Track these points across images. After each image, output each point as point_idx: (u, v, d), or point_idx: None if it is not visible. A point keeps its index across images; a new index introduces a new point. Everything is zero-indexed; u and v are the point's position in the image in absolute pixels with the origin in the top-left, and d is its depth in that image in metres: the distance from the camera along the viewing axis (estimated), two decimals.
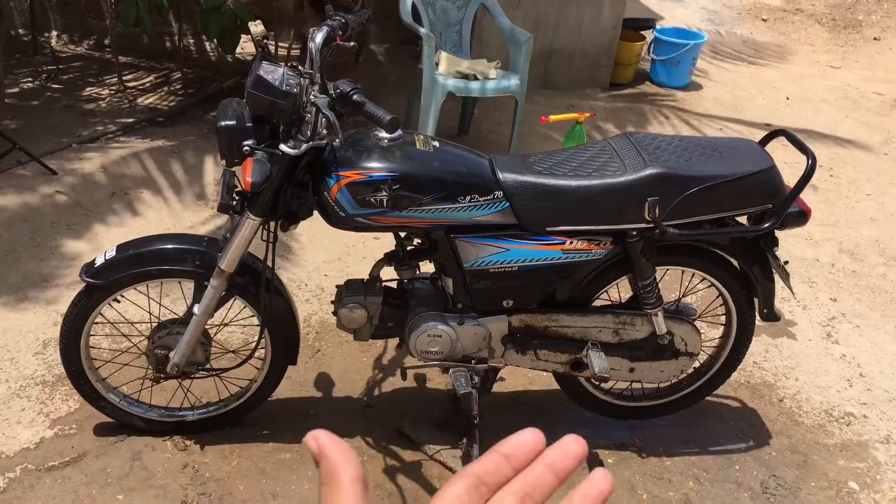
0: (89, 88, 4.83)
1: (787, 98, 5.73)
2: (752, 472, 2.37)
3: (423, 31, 3.94)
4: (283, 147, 1.87)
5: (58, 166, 3.78)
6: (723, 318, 2.39)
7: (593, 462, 2.36)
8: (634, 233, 2.04)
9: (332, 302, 2.24)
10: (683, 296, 2.40)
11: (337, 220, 1.95)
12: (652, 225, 2.00)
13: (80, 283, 2.08)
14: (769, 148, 2.17)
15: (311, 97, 1.80)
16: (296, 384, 2.55)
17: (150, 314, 2.32)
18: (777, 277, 2.21)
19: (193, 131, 4.35)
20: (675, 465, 2.38)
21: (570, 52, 5.41)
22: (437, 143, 2.04)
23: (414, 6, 4.16)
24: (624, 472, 2.34)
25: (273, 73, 1.86)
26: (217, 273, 2.03)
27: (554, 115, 3.79)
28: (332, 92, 1.82)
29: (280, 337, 2.22)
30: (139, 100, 4.74)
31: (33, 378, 2.52)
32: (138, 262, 2.06)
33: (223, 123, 1.85)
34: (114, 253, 2.09)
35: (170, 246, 2.10)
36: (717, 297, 2.32)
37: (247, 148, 1.86)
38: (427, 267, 2.22)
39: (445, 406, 2.51)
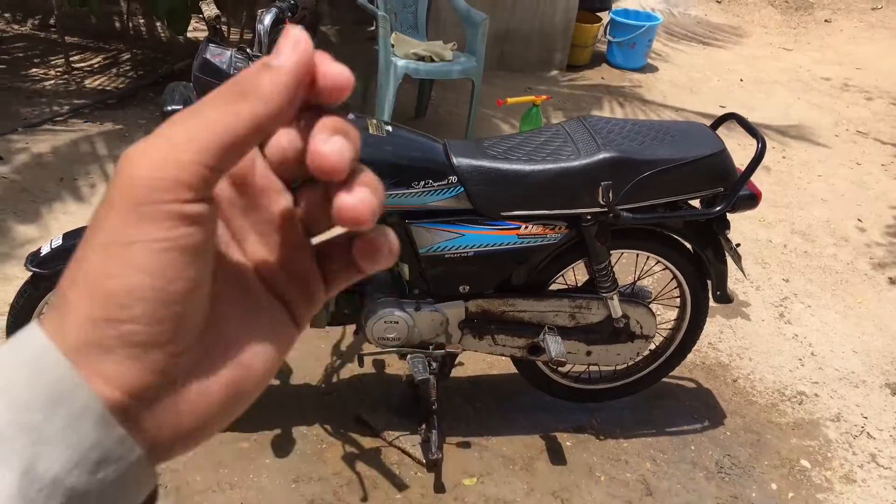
0: (34, 69, 4.68)
1: (741, 80, 5.80)
2: (708, 453, 2.41)
3: (378, 12, 3.88)
4: None
5: (3, 149, 3.66)
6: (678, 301, 2.42)
7: (553, 446, 2.37)
8: (589, 217, 2.05)
9: None
10: (638, 279, 2.42)
11: None
12: (606, 209, 2.01)
13: (26, 273, 2.02)
14: (721, 131, 2.19)
15: None
16: None
17: None
18: (729, 259, 2.24)
19: (144, 114, 4.24)
20: (633, 447, 2.40)
21: (527, 33, 5.40)
22: (389, 128, 2.02)
23: None
24: (582, 454, 2.36)
25: (220, 57, 1.82)
26: None
27: (511, 98, 3.78)
28: None
29: None
30: (87, 81, 4.60)
31: None
32: None
33: (169, 108, 1.81)
34: (60, 241, 2.03)
35: None
36: (672, 279, 2.35)
37: None
38: None
39: (404, 392, 2.51)
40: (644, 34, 5.59)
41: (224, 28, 5.07)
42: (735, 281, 3.19)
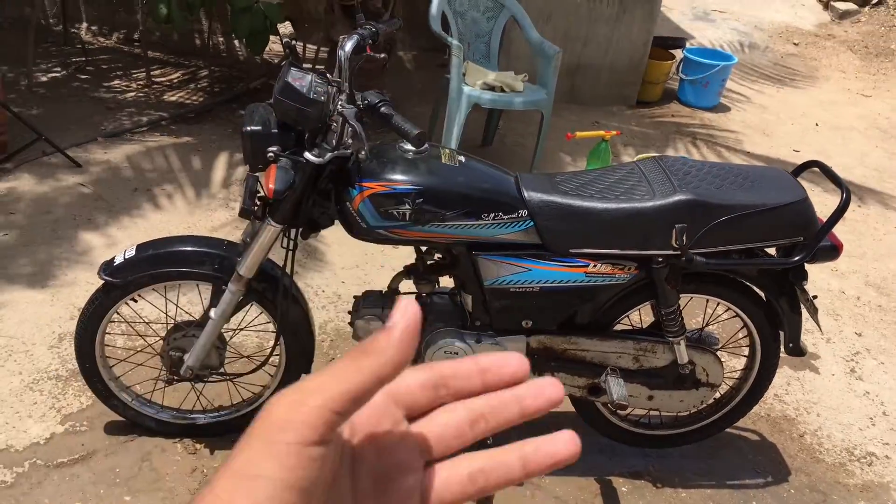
0: (117, 81, 4.85)
1: (817, 125, 5.66)
2: None
3: (452, 41, 3.92)
4: (307, 155, 1.85)
5: (82, 159, 3.79)
6: (746, 350, 2.34)
7: (608, 490, 2.31)
8: (660, 259, 2.00)
9: (350, 312, 2.22)
10: (707, 325, 2.35)
11: (358, 230, 1.93)
12: (679, 252, 1.96)
13: (99, 280, 2.06)
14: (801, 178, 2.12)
15: (339, 106, 1.77)
16: None
17: (167, 315, 2.30)
18: (804, 311, 2.16)
19: (218, 130, 4.35)
20: (691, 498, 2.32)
21: (598, 67, 5.38)
22: (462, 158, 2.01)
23: (443, 15, 4.14)
24: (638, 501, 2.29)
25: (301, 80, 1.84)
26: (235, 278, 2.01)
27: (580, 132, 3.76)
28: (359, 102, 1.80)
29: (295, 344, 2.20)
30: (166, 95, 4.75)
31: (47, 372, 2.51)
32: (157, 264, 2.05)
33: (249, 129, 1.83)
34: (133, 252, 2.07)
35: (189, 248, 2.08)
36: (742, 327, 2.28)
37: (271, 154, 1.84)
38: (447, 282, 2.19)
39: None
40: (718, 73, 5.51)
41: (299, 48, 5.18)
42: (805, 332, 3.07)
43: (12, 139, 3.72)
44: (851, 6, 8.09)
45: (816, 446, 2.60)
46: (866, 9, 8.06)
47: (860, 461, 2.56)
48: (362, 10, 2.35)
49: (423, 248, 2.13)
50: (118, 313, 2.16)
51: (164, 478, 2.17)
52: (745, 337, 2.30)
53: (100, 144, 4.00)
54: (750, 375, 2.31)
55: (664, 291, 2.06)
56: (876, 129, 5.71)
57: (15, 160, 3.68)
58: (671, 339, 2.14)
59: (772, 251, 2.13)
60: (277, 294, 2.07)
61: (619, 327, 2.24)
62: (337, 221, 1.99)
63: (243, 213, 1.94)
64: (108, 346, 2.24)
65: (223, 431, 2.32)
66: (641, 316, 2.35)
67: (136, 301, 2.13)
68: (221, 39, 5.65)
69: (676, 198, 1.94)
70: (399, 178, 1.88)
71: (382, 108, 1.78)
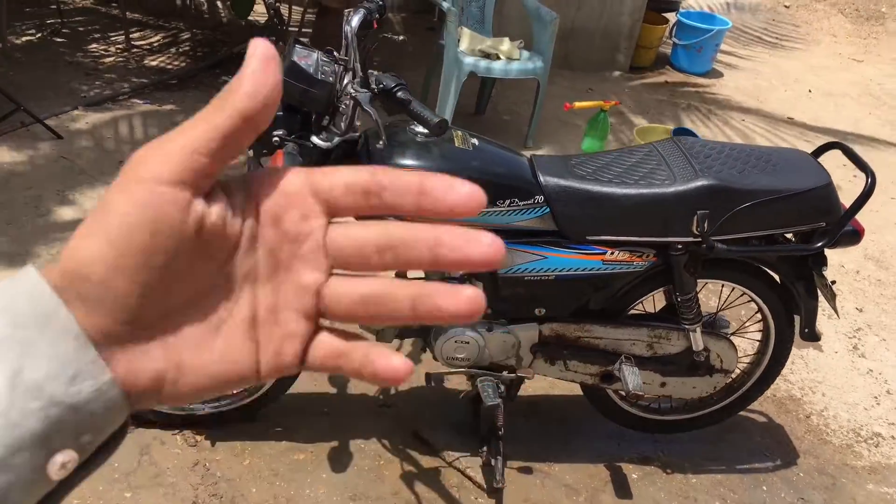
0: (95, 45, 4.65)
1: (810, 91, 5.59)
2: (780, 495, 2.30)
3: (446, 5, 3.77)
4: (314, 139, 1.75)
5: (63, 129, 3.62)
6: (758, 335, 2.30)
7: (618, 477, 2.28)
8: (680, 246, 1.94)
9: None
10: (720, 310, 2.30)
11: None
12: (699, 239, 1.90)
13: None
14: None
15: (352, 91, 1.67)
16: (311, 379, 2.45)
17: None
18: (821, 296, 2.11)
19: (203, 98, 4.18)
20: (701, 483, 2.30)
21: (591, 32, 5.25)
22: (476, 141, 1.92)
23: None
24: (649, 488, 2.26)
25: (307, 59, 1.73)
26: None
27: (578, 102, 3.67)
28: (373, 86, 1.69)
29: None
30: (146, 60, 4.56)
31: None
32: None
33: None
34: None
35: None
36: (756, 312, 2.23)
37: (276, 139, 1.74)
38: None
39: (463, 409, 2.42)
40: (712, 38, 5.41)
41: (284, 11, 5.00)
42: None
43: None
44: None
45: (823, 427, 2.58)
46: None
47: (867, 442, 2.55)
48: None
49: None
50: None
51: (164, 472, 2.10)
52: (757, 322, 2.25)
53: (81, 113, 3.83)
54: (763, 360, 2.27)
55: (682, 279, 2.00)
56: (869, 95, 5.66)
57: None
58: (687, 327, 2.09)
59: (789, 235, 2.07)
60: None
61: (631, 313, 2.18)
62: None
63: None
64: None
65: (224, 422, 2.24)
66: (654, 301, 2.29)
67: None
68: (203, 0, 5.44)
69: (698, 183, 1.87)
70: (410, 163, 1.79)
71: (399, 93, 1.67)
